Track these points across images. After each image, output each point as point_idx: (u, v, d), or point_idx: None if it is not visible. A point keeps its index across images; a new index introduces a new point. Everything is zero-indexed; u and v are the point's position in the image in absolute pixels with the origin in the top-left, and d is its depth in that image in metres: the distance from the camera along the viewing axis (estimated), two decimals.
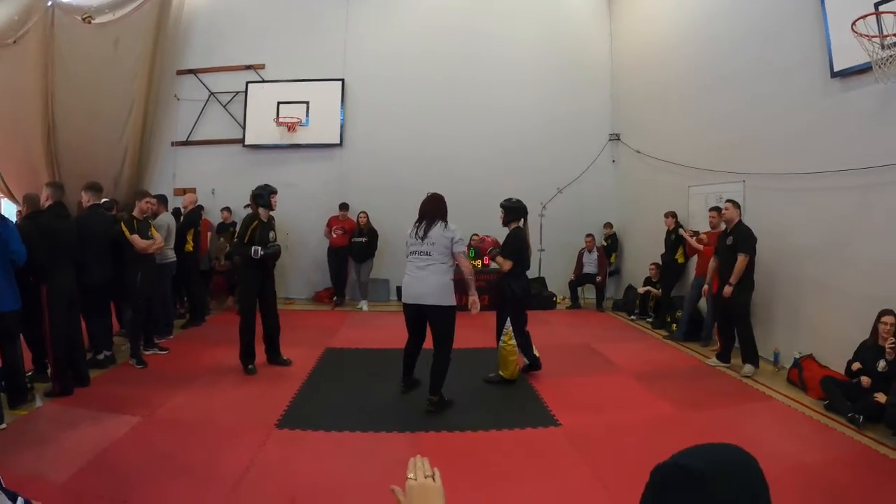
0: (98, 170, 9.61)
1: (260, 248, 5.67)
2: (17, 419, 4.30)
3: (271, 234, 5.89)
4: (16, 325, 4.52)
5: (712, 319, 6.95)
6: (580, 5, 11.10)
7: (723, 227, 6.51)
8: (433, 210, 4.79)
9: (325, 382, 5.49)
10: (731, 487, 0.83)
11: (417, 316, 4.81)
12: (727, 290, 5.82)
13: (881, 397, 4.29)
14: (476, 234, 6.26)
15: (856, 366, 4.65)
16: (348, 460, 3.79)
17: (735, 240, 5.91)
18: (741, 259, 5.77)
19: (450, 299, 4.65)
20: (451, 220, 4.80)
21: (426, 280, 4.62)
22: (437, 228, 4.68)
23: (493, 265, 9.57)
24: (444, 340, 4.70)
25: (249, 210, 8.88)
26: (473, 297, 4.72)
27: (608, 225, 10.38)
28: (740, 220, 6.02)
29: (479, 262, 9.53)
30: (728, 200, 6.17)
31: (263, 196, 5.92)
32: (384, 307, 9.64)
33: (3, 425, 4.10)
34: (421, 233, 4.71)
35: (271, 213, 6.02)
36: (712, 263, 6.37)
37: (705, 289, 6.47)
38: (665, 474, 0.87)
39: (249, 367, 5.73)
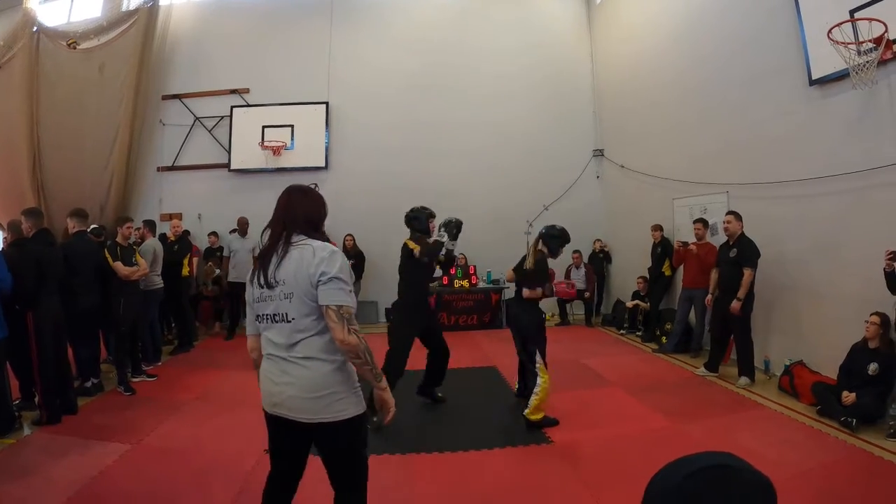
0: (84, 195, 9.61)
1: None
2: (4, 448, 4.26)
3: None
4: (2, 353, 4.47)
5: (703, 330, 6.99)
6: (561, 26, 11.31)
7: (709, 237, 6.60)
8: (290, 218, 2.31)
9: None
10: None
11: (288, 435, 2.33)
12: (735, 305, 5.72)
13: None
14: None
15: (849, 399, 4.58)
16: None
17: (739, 253, 5.87)
18: (748, 273, 5.74)
19: (348, 405, 2.26)
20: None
21: (292, 372, 2.21)
22: (293, 257, 2.22)
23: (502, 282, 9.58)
24: (349, 482, 2.42)
25: (237, 234, 8.92)
26: (381, 393, 2.34)
27: (598, 241, 10.46)
28: (743, 233, 5.96)
29: (465, 283, 9.51)
30: (730, 212, 6.11)
31: (421, 220, 5.28)
32: (374, 329, 9.58)
33: None
34: (263, 277, 2.23)
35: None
36: (714, 275, 6.35)
37: (709, 299, 6.39)
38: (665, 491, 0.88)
39: None
